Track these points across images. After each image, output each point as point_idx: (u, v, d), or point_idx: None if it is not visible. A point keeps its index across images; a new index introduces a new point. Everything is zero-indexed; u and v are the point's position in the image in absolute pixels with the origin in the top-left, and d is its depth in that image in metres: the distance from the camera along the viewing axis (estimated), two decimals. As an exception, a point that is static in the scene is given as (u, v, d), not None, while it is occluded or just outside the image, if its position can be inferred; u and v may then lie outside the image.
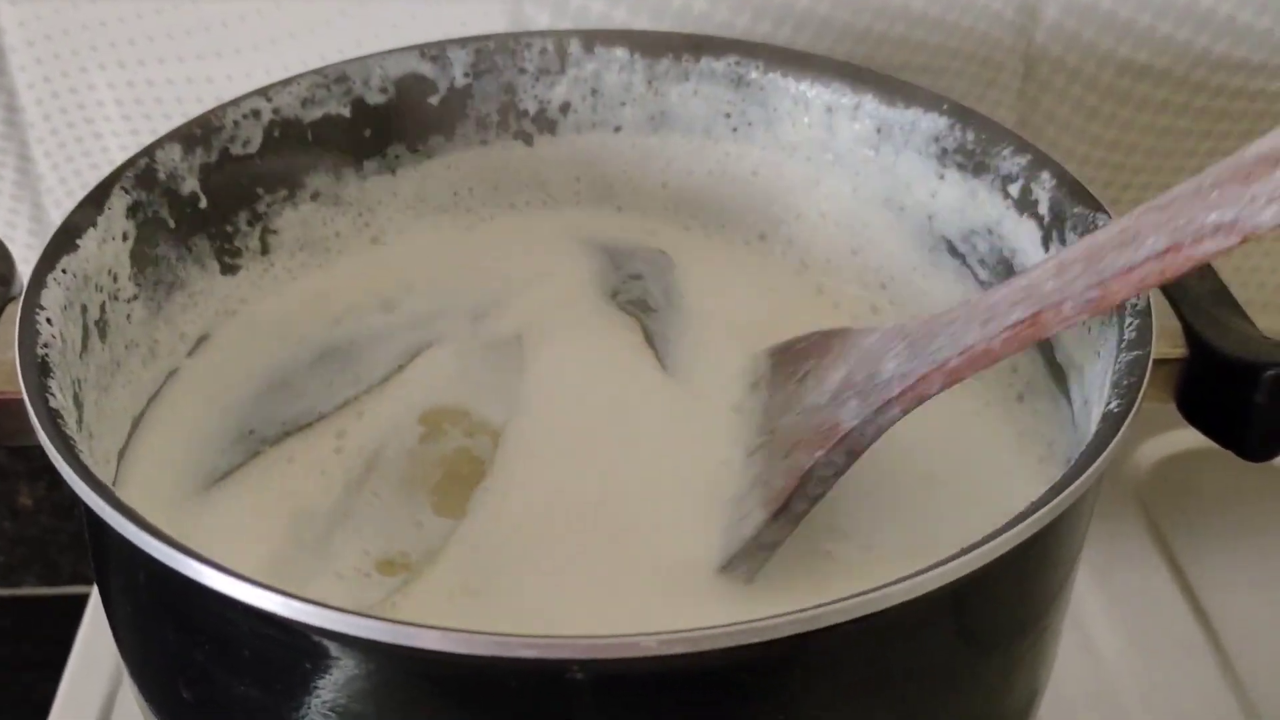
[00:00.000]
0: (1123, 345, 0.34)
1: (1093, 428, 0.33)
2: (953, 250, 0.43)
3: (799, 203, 0.46)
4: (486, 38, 0.46)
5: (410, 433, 0.40)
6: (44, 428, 0.32)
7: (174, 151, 0.41)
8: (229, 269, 0.43)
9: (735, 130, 0.46)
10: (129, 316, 0.39)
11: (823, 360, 0.37)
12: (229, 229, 0.43)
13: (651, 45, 0.45)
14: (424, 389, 0.42)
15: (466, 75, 0.45)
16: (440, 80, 0.45)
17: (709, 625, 0.27)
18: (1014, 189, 0.41)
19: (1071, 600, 0.36)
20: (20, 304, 0.35)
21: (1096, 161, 0.55)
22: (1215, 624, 0.48)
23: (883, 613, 0.28)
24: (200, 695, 0.33)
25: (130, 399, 0.39)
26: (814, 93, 0.44)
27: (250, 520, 0.38)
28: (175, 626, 0.32)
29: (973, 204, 0.42)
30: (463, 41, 0.45)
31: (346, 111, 0.44)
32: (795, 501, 0.35)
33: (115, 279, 0.39)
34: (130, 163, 0.40)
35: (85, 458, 0.32)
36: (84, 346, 0.37)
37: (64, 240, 0.37)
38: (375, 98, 0.44)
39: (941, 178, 0.43)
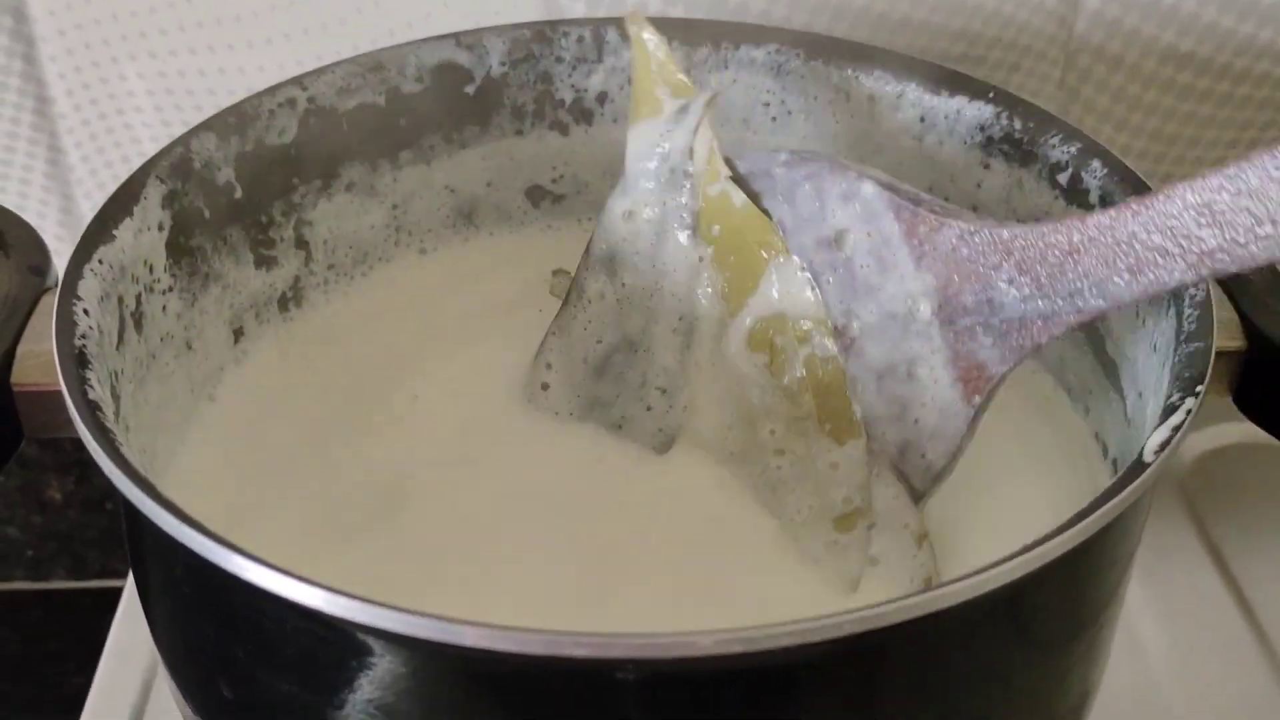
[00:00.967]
0: (1182, 337, 0.33)
1: (1149, 422, 0.32)
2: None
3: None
4: (523, 26, 0.45)
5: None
6: (83, 420, 0.31)
7: (209, 140, 0.40)
8: (264, 261, 0.43)
9: (774, 120, 0.45)
10: (164, 308, 0.39)
11: (877, 231, 0.35)
12: (264, 219, 0.42)
13: (689, 33, 0.45)
14: None
15: (503, 64, 0.45)
16: (476, 69, 0.45)
17: (764, 624, 0.26)
18: (1063, 178, 0.40)
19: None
20: (56, 295, 0.35)
21: (1138, 152, 0.55)
22: (1260, 619, 0.47)
23: (941, 612, 0.27)
24: (241, 693, 0.32)
25: (165, 393, 0.39)
26: (855, 81, 0.44)
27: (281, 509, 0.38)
28: (216, 623, 0.32)
29: (1019, 194, 0.41)
30: (499, 30, 0.45)
31: (382, 100, 0.44)
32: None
33: (151, 270, 0.38)
34: (166, 151, 0.39)
35: (125, 450, 0.31)
36: (120, 338, 0.36)
37: (100, 230, 0.36)
38: (410, 87, 0.44)
39: (987, 167, 0.42)
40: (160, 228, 0.39)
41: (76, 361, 0.33)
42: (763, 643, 0.26)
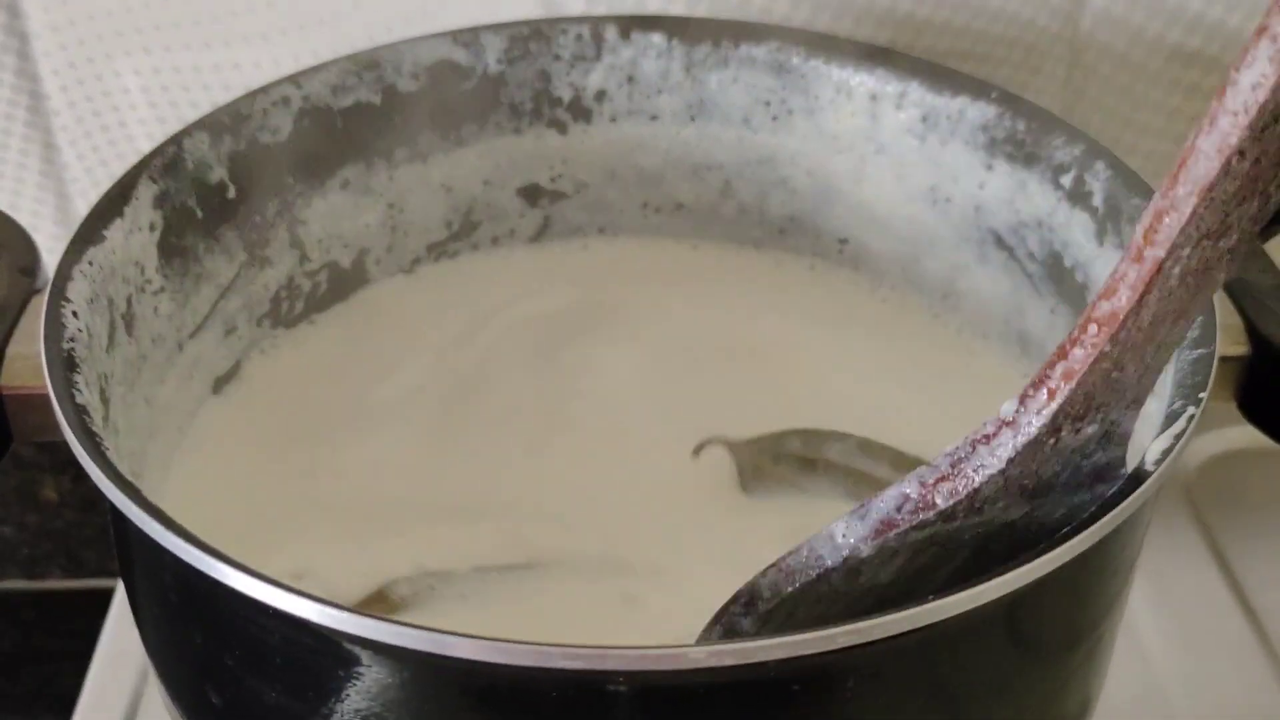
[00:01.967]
0: (1185, 344, 0.32)
1: (1152, 429, 0.32)
2: (1000, 244, 0.42)
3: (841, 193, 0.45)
4: (521, 24, 0.44)
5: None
6: (70, 424, 0.31)
7: (202, 140, 0.40)
8: (257, 261, 0.42)
9: (776, 119, 0.45)
10: (156, 310, 0.38)
11: None
12: (258, 219, 0.42)
13: (690, 31, 0.44)
14: None
15: (500, 62, 0.44)
16: (474, 67, 0.44)
17: (760, 639, 0.26)
18: (1066, 180, 0.39)
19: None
20: (46, 297, 0.34)
21: (1144, 152, 0.54)
22: (1265, 624, 0.47)
23: (937, 625, 0.27)
24: (229, 700, 0.32)
25: (157, 395, 0.39)
26: (857, 80, 0.43)
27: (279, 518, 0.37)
28: (203, 630, 0.31)
29: (1022, 196, 0.41)
30: (496, 27, 0.44)
31: (377, 99, 0.43)
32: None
33: (142, 271, 0.38)
34: (158, 151, 0.39)
35: (112, 455, 0.31)
36: (110, 340, 0.36)
37: (90, 231, 0.36)
38: (407, 85, 0.43)
39: (990, 168, 0.41)
40: (152, 228, 0.38)
41: (65, 364, 0.33)
42: (755, 655, 0.26)
